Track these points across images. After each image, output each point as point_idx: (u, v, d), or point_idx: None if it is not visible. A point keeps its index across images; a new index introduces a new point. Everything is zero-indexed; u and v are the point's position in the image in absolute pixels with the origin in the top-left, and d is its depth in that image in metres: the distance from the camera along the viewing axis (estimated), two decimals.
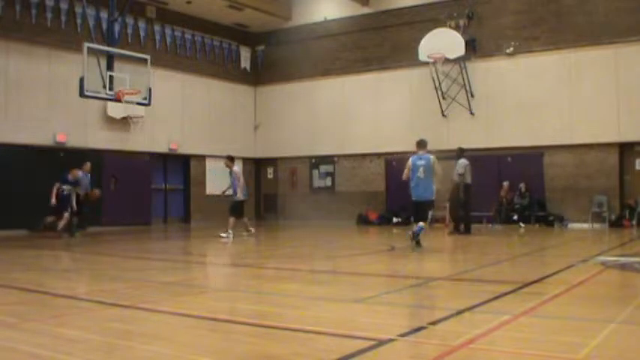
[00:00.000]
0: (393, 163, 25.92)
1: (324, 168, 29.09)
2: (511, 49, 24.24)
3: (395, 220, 25.51)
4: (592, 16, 23.02)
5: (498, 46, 24.56)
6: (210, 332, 6.46)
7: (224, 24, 29.32)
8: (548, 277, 10.05)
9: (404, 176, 14.21)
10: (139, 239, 20.29)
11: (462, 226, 19.70)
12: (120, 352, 5.63)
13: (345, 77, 28.00)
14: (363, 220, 26.58)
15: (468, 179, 19.50)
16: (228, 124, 29.39)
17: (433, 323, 6.53)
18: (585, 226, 22.73)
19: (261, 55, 30.83)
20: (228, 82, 29.61)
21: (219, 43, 29.37)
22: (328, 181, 28.96)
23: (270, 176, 30.89)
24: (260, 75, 30.82)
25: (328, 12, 28.86)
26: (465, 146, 20.85)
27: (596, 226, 22.60)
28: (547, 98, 23.47)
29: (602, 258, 12.57)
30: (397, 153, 25.54)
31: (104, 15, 22.88)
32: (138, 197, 25.41)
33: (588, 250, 14.63)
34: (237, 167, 19.70)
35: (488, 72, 24.68)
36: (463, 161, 19.56)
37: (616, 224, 22.27)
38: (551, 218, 23.39)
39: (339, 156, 28.45)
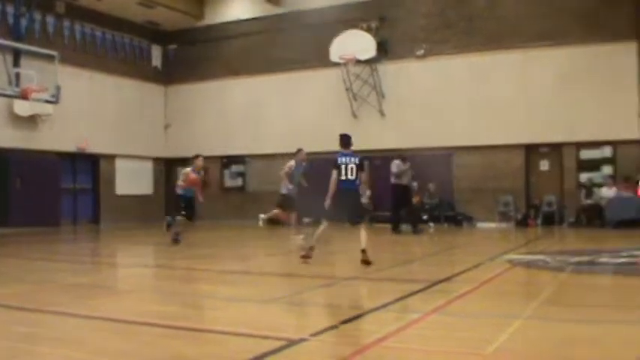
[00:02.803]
0: (303, 163, 25.97)
1: (235, 168, 28.96)
2: (422, 51, 24.61)
3: (306, 220, 25.53)
4: (502, 20, 23.58)
5: (409, 48, 24.89)
6: (120, 335, 6.37)
7: (135, 22, 28.86)
8: (457, 275, 10.25)
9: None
10: (47, 241, 19.79)
11: (405, 226, 19.84)
12: (26, 357, 5.49)
13: (257, 77, 27.91)
14: (273, 221, 26.47)
15: (404, 180, 19.59)
16: (139, 123, 28.94)
17: (345, 322, 6.58)
18: (492, 225, 23.25)
19: (173, 54, 30.46)
20: (139, 80, 29.16)
21: (130, 41, 28.90)
22: (239, 181, 28.84)
23: None
24: (171, 74, 30.44)
25: (241, 12, 28.75)
26: (374, 147, 21.04)
27: (503, 225, 23.14)
28: (457, 100, 23.90)
29: (508, 256, 12.89)
30: (307, 153, 25.62)
31: (10, 9, 22.25)
32: (46, 198, 24.67)
33: (495, 249, 14.96)
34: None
35: (399, 74, 24.97)
36: (397, 162, 19.65)
37: (522, 223, 22.86)
38: (459, 218, 23.85)
39: (250, 156, 28.36)
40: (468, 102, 23.77)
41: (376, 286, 9.76)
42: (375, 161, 22.86)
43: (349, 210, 12.02)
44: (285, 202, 18.66)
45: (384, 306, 7.42)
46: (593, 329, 6.40)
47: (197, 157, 16.97)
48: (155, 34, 30.08)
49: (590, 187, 22.26)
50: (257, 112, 27.84)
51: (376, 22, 25.02)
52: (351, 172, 11.98)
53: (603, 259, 12.32)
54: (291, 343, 5.66)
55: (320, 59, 25.51)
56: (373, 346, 5.54)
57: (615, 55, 22.10)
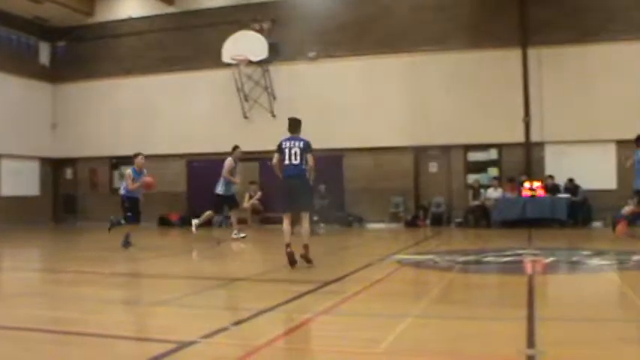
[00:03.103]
0: (194, 164, 25.89)
1: (125, 169, 28.44)
2: (314, 53, 24.76)
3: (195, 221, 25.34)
4: (392, 25, 23.96)
5: (301, 50, 25.01)
6: (2, 341, 6.15)
7: (22, 16, 27.88)
8: (347, 275, 10.35)
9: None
10: None
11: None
12: None
13: (148, 77, 27.43)
14: (165, 222, 26.20)
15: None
16: (25, 122, 27.94)
17: (236, 324, 6.56)
18: (383, 225, 23.61)
19: (62, 51, 29.61)
20: (25, 78, 28.15)
21: (16, 37, 27.90)
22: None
23: (69, 177, 29.78)
24: (60, 72, 29.54)
25: (132, 10, 28.20)
26: (265, 149, 20.82)
27: (393, 225, 23.52)
28: (348, 102, 24.13)
29: (398, 256, 13.10)
30: (199, 154, 25.50)
31: None
32: None
33: (385, 250, 15.17)
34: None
35: (291, 75, 25.04)
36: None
37: (411, 224, 23.29)
38: (350, 219, 24.09)
39: None
40: (358, 104, 24.03)
41: (268, 286, 9.77)
42: (267, 162, 22.84)
43: (296, 198, 11.40)
44: (219, 203, 18.40)
45: (276, 307, 7.43)
46: (479, 326, 6.58)
47: (137, 155, 16.28)
48: (43, 30, 29.17)
49: (477, 189, 22.87)
50: (148, 112, 27.37)
51: (268, 23, 25.01)
52: (295, 156, 11.52)
53: (489, 259, 12.69)
54: (181, 345, 5.60)
55: (212, 60, 25.30)
56: (265, 347, 5.54)
57: (502, 60, 22.82)
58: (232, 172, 17.93)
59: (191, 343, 5.70)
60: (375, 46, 24.10)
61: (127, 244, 15.61)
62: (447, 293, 8.95)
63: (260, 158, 24.12)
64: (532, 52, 22.69)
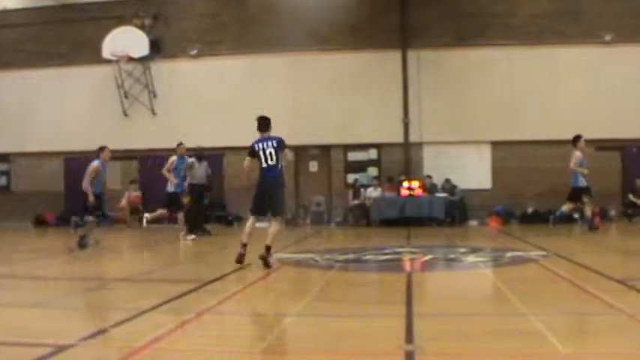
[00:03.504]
0: (72, 162, 25.23)
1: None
2: (195, 51, 24.51)
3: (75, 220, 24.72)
4: (274, 24, 23.98)
5: (183, 47, 24.69)
6: None
7: None
8: (228, 274, 10.30)
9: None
10: None
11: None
12: None
13: (25, 71, 26.33)
14: (41, 222, 25.40)
15: (195, 179, 18.56)
16: None
17: (115, 325, 6.41)
18: (263, 225, 23.48)
19: None
20: None
21: None
22: (3, 180, 27.27)
23: None
24: None
25: (9, 1, 27.12)
26: (145, 147, 20.70)
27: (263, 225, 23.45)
28: (230, 101, 23.97)
29: (278, 255, 13.11)
30: (77, 152, 24.82)
31: None
32: None
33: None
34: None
35: (172, 73, 24.70)
36: (191, 160, 18.67)
37: (291, 223, 23.32)
38: (230, 218, 23.97)
39: (16, 154, 26.85)
40: (240, 103, 23.84)
41: (148, 287, 9.61)
42: (149, 160, 22.60)
43: (268, 201, 11.26)
44: (171, 201, 17.89)
45: (156, 307, 7.30)
46: (358, 323, 6.66)
47: (103, 148, 15.43)
48: None
49: (357, 188, 23.17)
50: (25, 108, 26.32)
51: (150, 19, 24.59)
52: (271, 156, 11.21)
53: (368, 257, 12.86)
54: (58, 349, 5.42)
55: (92, 55, 24.63)
56: (145, 349, 5.44)
57: (383, 62, 23.25)
58: (177, 169, 17.71)
59: (69, 346, 5.52)
60: (258, 45, 24.06)
61: (92, 243, 14.95)
62: (327, 291, 9.02)
63: (140, 156, 23.78)
64: (412, 55, 23.21)
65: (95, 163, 15.02)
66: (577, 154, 17.49)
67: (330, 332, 6.20)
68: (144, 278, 10.28)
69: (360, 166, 23.83)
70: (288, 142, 22.92)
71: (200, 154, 18.85)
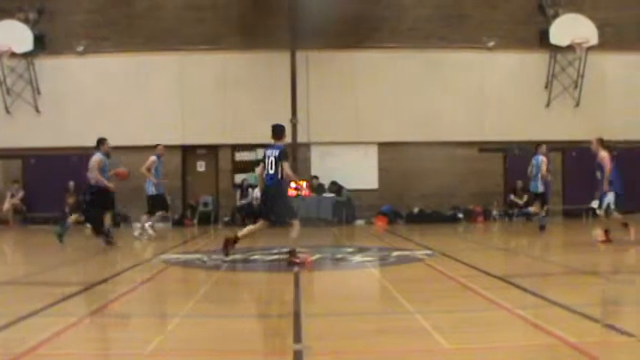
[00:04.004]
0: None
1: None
2: (81, 47, 23.82)
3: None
4: (162, 22, 23.59)
5: (69, 43, 23.97)
6: None
7: None
8: (115, 276, 10.13)
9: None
10: None
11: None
12: None
13: None
14: None
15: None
16: None
17: None
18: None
19: None
20: None
21: None
22: None
23: None
24: None
25: None
26: (29, 145, 19.99)
27: (160, 225, 23.15)
28: (118, 99, 23.41)
29: (165, 256, 12.97)
30: None
31: None
32: None
33: (153, 249, 14.96)
34: None
35: (57, 69, 23.87)
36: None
37: (179, 223, 23.10)
38: (117, 218, 23.46)
39: None
40: (126, 101, 23.42)
41: (31, 290, 9.30)
42: (31, 160, 21.96)
43: (270, 208, 11.55)
44: (158, 203, 17.65)
45: (40, 311, 7.09)
46: (247, 323, 6.67)
47: (104, 140, 15.40)
48: None
49: (245, 188, 23.12)
50: None
51: (34, 13, 23.73)
52: (271, 165, 11.39)
53: (256, 257, 12.85)
54: None
55: None
56: (26, 355, 5.27)
57: (271, 62, 23.23)
58: (157, 169, 17.52)
59: None
60: (144, 43, 23.63)
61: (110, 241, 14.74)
62: (215, 292, 8.98)
63: (23, 155, 23.01)
64: (300, 56, 23.28)
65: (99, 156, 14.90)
66: (544, 160, 17.87)
67: (218, 333, 6.18)
68: (29, 281, 9.97)
69: (248, 166, 23.74)
70: (174, 142, 22.82)
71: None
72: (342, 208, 22.72)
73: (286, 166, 11.46)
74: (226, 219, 23.19)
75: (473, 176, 23.27)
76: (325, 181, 23.12)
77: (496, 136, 23.77)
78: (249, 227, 11.76)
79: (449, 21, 23.98)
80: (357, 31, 23.50)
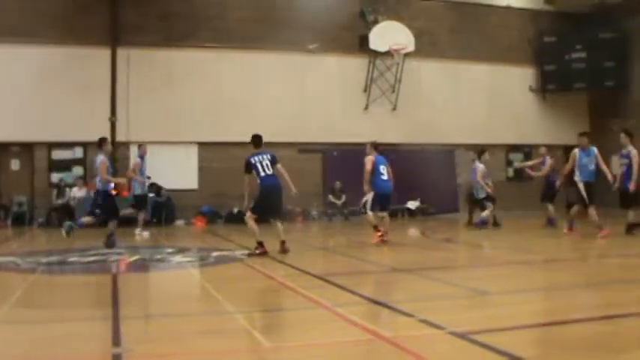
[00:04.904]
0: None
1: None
2: None
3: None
4: None
5: None
6: None
7: None
8: None
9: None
10: None
11: None
12: None
13: None
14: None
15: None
16: None
17: None
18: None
19: None
20: None
21: None
22: None
23: None
24: None
25: None
26: None
27: None
28: None
29: None
30: None
31: None
32: None
33: None
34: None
35: None
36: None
37: None
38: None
39: None
40: None
41: None
42: None
43: (274, 205, 12.89)
44: (142, 203, 18.50)
45: None
46: (64, 328, 6.51)
47: (105, 140, 15.15)
48: None
49: (62, 187, 22.43)
50: None
51: None
52: (267, 167, 12.61)
53: (74, 259, 12.53)
54: None
55: None
56: None
57: (90, 59, 22.67)
58: (142, 169, 18.30)
59: None
60: None
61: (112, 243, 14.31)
62: (30, 296, 8.70)
63: None
64: (121, 53, 22.92)
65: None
66: (481, 167, 18.53)
67: (33, 338, 6.03)
68: None
69: (65, 165, 23.05)
70: None
71: None
72: (162, 209, 22.52)
73: (282, 168, 13.02)
74: (42, 219, 22.38)
75: (292, 177, 23.63)
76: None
77: (316, 137, 24.36)
78: (282, 228, 12.91)
79: (272, 23, 24.34)
80: (179, 30, 23.37)
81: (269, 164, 12.67)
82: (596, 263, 11.76)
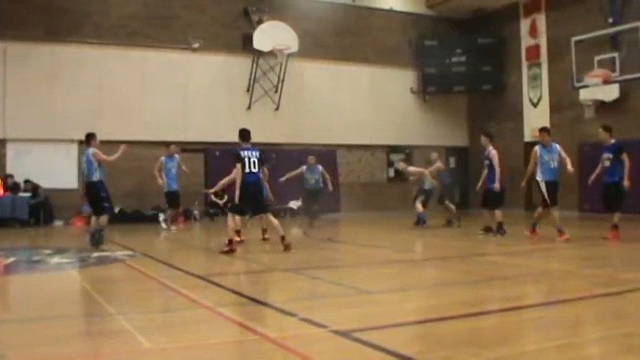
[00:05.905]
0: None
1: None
2: None
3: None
4: None
5: None
6: None
7: None
8: None
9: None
10: None
11: None
12: None
13: None
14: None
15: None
16: None
17: None
18: None
19: None
20: None
21: None
22: None
23: None
24: None
25: None
26: None
27: None
28: None
29: None
30: None
31: None
32: None
33: None
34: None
35: None
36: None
37: None
38: None
39: None
40: None
41: None
42: None
43: (255, 202, 12.91)
44: (172, 199, 19.39)
45: None
46: None
47: (94, 135, 15.32)
48: None
49: None
50: None
51: None
52: (254, 164, 12.70)
53: None
54: None
55: None
56: None
57: None
58: (167, 168, 19.14)
59: None
60: None
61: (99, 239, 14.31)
62: None
63: None
64: None
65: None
66: (438, 165, 19.33)
67: None
68: None
69: None
70: None
71: None
72: (40, 208, 21.89)
73: (267, 169, 13.67)
74: None
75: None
76: (21, 180, 22.08)
77: (199, 136, 24.20)
78: (277, 223, 13.04)
79: (155, 20, 24.05)
80: (61, 24, 22.73)
81: (256, 162, 12.80)
82: (478, 261, 12.11)
